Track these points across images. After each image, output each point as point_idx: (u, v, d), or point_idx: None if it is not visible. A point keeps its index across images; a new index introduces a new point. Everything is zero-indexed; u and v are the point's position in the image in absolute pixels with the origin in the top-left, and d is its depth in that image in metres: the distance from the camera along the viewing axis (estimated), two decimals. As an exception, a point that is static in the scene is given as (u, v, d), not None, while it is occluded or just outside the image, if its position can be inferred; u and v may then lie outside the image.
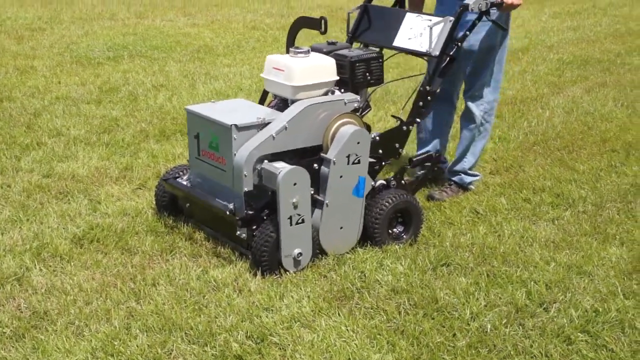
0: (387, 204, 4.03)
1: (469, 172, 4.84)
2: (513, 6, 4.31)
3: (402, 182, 4.24)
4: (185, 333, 3.35)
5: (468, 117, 4.79)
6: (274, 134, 3.81)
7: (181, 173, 4.38)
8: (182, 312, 3.49)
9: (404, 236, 4.14)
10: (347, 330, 3.36)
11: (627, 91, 7.06)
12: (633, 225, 4.35)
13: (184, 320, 3.43)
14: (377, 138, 4.09)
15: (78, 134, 5.88)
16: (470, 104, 4.75)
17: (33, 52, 8.61)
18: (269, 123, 3.88)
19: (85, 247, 4.15)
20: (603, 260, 3.96)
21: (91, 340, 3.30)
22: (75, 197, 4.74)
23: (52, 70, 7.77)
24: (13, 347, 3.29)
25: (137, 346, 3.25)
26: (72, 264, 3.97)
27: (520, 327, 3.38)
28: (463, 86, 4.84)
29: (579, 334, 3.32)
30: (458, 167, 4.82)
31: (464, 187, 4.84)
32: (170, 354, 3.22)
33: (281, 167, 3.73)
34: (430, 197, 4.74)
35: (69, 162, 5.32)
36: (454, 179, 4.84)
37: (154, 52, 8.67)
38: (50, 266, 3.95)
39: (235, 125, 3.81)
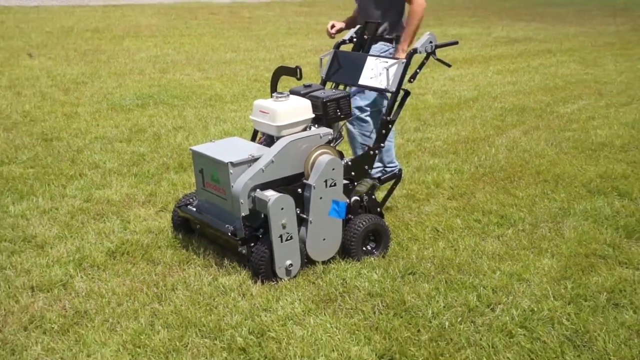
0: (360, 226, 4.03)
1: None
2: None
3: (373, 197, 4.25)
4: (199, 329, 3.33)
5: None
6: (263, 167, 3.81)
7: (191, 200, 4.37)
8: (196, 312, 3.47)
9: (375, 252, 4.14)
10: (332, 327, 3.35)
11: (555, 133, 7.12)
12: (561, 241, 4.37)
13: (198, 318, 3.41)
14: (349, 163, 4.09)
15: (112, 167, 5.87)
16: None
17: (77, 101, 8.61)
18: (258, 158, 3.88)
19: (118, 258, 4.13)
20: (538, 269, 3.97)
21: (122, 335, 3.28)
22: (109, 218, 4.72)
23: (92, 115, 7.76)
24: (60, 339, 3.26)
25: (160, 340, 3.23)
26: (107, 272, 3.95)
27: (472, 324, 3.38)
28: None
29: (518, 329, 3.32)
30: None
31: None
32: (187, 346, 3.20)
33: (270, 195, 3.73)
34: None
35: (105, 190, 5.30)
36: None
37: (174, 100, 8.68)
38: (89, 274, 3.92)
39: (231, 162, 3.80)
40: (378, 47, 4.88)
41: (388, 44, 4.93)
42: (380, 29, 4.88)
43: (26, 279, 3.85)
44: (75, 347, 3.19)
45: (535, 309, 3.49)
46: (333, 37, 5.08)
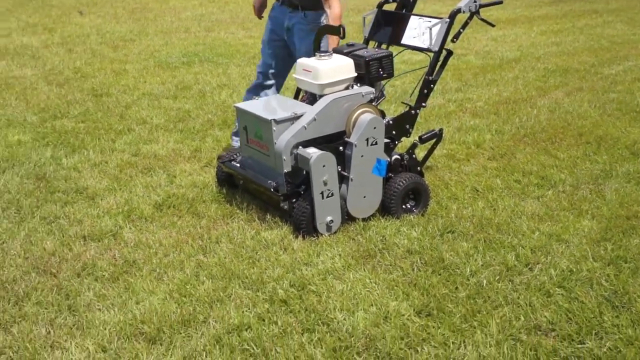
0: (400, 185, 3.99)
1: None
2: None
3: (413, 156, 4.20)
4: (242, 281, 3.37)
5: None
6: (305, 125, 3.78)
7: (235, 156, 4.37)
8: (239, 265, 3.51)
9: (415, 210, 4.11)
10: (371, 282, 3.35)
11: (599, 95, 6.90)
12: (602, 202, 4.27)
13: (241, 271, 3.45)
14: (391, 122, 4.04)
15: (159, 123, 5.92)
16: None
17: (125, 58, 8.67)
18: (301, 116, 3.84)
19: (164, 211, 4.18)
20: (577, 230, 3.89)
21: (169, 284, 3.34)
22: (156, 172, 4.78)
23: (139, 72, 7.82)
24: (110, 287, 3.35)
25: (204, 290, 3.29)
26: (154, 224, 4.01)
27: (510, 283, 3.34)
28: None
29: (556, 288, 3.28)
30: None
31: None
32: (230, 297, 3.24)
33: (312, 153, 3.70)
34: None
35: (152, 145, 5.36)
36: None
37: (219, 58, 8.67)
38: (137, 225, 3.99)
39: (274, 119, 3.78)
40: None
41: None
42: None
43: (78, 228, 3.94)
44: (125, 294, 3.27)
45: (574, 270, 3.43)
46: (262, 18, 4.99)
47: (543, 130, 5.74)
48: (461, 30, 4.13)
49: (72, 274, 3.46)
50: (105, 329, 2.99)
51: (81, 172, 4.79)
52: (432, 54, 4.10)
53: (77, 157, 5.07)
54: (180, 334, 2.96)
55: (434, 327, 2.99)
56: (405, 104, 4.19)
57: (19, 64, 8.33)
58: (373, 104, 3.99)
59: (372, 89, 4.01)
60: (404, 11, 4.60)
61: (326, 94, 3.91)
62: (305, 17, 4.64)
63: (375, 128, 3.86)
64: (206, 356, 2.81)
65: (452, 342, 2.89)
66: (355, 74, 4.01)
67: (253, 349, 2.84)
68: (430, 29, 4.07)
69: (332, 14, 4.51)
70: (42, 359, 2.80)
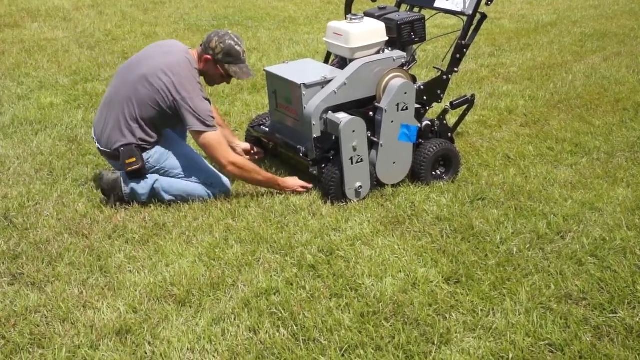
0: (430, 151, 3.95)
1: None
2: None
3: (444, 122, 4.14)
4: (270, 245, 3.38)
5: None
6: (335, 90, 3.74)
7: (264, 121, 4.36)
8: (268, 229, 3.52)
9: (445, 177, 4.06)
10: (399, 248, 3.34)
11: (638, 60, 6.69)
12: (638, 170, 4.17)
13: (270, 235, 3.46)
14: (422, 87, 3.98)
15: (189, 86, 5.90)
16: None
17: (156, 20, 8.65)
18: (331, 80, 3.81)
19: (194, 175, 4.19)
20: (612, 199, 3.81)
21: (198, 247, 3.37)
22: (186, 136, 4.78)
23: (169, 35, 7.80)
24: (140, 249, 3.39)
25: (233, 254, 3.31)
26: (183, 188, 4.02)
27: (541, 251, 3.30)
28: None
29: (588, 257, 3.23)
30: None
31: None
32: (259, 261, 3.26)
33: (342, 118, 3.67)
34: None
35: (182, 108, 5.35)
36: None
37: (248, 22, 8.61)
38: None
39: (304, 83, 3.75)
40: None
41: None
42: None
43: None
44: (155, 257, 3.31)
45: (607, 239, 3.37)
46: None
47: (578, 96, 5.61)
48: None
49: (103, 235, 3.51)
50: (135, 290, 3.04)
51: (112, 135, 4.82)
52: (465, 18, 4.01)
53: (108, 120, 5.09)
54: (210, 296, 2.99)
55: (462, 294, 2.97)
56: (437, 69, 4.12)
57: (50, 26, 8.37)
58: (404, 68, 3.93)
59: (404, 54, 3.94)
60: None
61: (357, 58, 3.86)
62: None
63: (406, 93, 3.80)
64: (235, 319, 2.84)
65: (481, 310, 2.87)
66: (387, 38, 3.95)
67: (281, 312, 2.86)
68: (465, -9, 3.97)
69: None
70: (75, 318, 2.86)
